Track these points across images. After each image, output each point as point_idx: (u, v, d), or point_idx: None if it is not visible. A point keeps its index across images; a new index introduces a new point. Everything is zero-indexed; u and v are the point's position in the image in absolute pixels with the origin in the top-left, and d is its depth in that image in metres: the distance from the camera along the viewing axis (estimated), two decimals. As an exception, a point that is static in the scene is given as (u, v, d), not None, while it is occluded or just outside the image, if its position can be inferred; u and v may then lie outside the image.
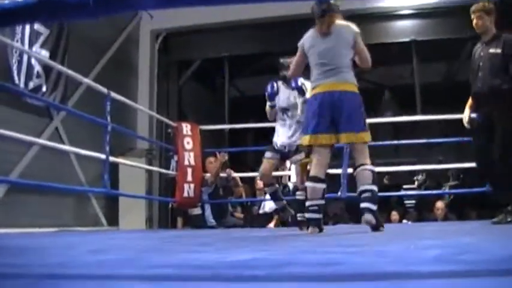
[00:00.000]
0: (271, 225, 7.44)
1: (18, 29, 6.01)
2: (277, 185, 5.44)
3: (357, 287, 1.01)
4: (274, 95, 4.92)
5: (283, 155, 5.02)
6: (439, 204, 7.67)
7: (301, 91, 4.72)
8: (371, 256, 1.73)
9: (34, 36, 6.40)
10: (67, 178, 6.86)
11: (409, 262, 1.47)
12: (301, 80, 4.70)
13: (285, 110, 4.94)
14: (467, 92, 4.72)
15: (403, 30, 8.95)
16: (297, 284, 1.09)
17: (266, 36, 9.14)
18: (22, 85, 6.13)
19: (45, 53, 6.57)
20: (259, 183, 7.39)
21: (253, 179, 8.17)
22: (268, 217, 7.58)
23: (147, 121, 8.94)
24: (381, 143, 7.49)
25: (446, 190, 8.15)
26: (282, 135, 4.98)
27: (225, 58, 9.68)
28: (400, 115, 9.69)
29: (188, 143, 7.33)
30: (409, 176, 9.54)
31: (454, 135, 6.93)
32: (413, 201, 9.57)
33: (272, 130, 5.16)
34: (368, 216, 3.61)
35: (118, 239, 4.03)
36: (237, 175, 7.76)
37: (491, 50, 4.41)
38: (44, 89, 6.54)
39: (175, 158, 7.40)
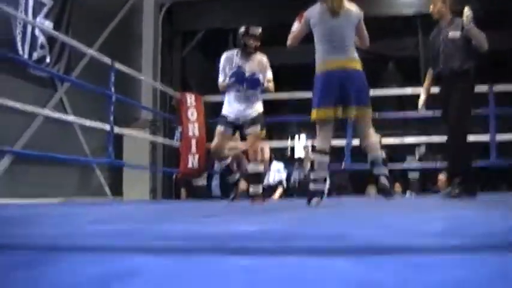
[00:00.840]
0: (275, 196, 7.47)
1: (22, -1, 5.98)
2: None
3: (365, 261, 1.01)
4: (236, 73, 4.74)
5: (236, 127, 4.95)
6: (441, 176, 7.69)
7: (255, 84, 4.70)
8: (377, 228, 1.74)
9: (38, 6, 6.36)
10: (71, 149, 6.86)
11: (415, 235, 1.48)
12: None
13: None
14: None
15: (409, 2, 8.84)
16: (304, 258, 1.10)
17: (272, 7, 9.03)
18: (26, 56, 6.11)
19: (48, 24, 6.53)
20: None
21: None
22: (272, 189, 7.61)
23: (150, 92, 8.90)
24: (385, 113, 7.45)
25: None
26: (235, 108, 4.87)
27: (230, 30, 9.59)
28: (403, 87, 9.62)
29: (192, 114, 7.33)
30: (413, 148, 9.52)
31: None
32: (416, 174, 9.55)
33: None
34: (384, 181, 3.84)
35: (121, 210, 4.06)
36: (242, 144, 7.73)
37: (451, 33, 4.59)
38: (48, 60, 6.51)
39: (180, 128, 7.40)
